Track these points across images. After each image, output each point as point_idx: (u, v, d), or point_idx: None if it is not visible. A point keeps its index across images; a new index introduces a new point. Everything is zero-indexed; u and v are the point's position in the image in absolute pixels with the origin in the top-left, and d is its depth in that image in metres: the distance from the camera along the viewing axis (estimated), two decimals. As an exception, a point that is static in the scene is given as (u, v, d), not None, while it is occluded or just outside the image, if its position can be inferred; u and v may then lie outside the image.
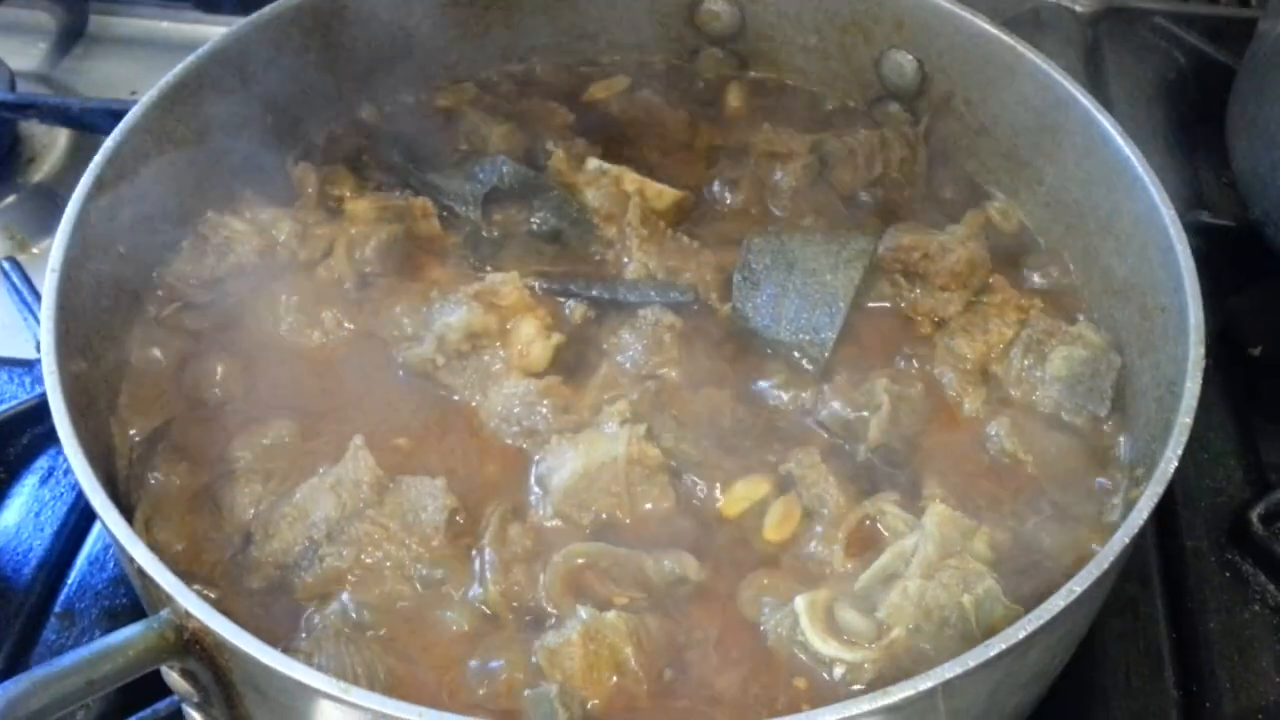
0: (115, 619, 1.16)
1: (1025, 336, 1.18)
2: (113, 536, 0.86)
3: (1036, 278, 1.26)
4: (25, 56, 1.79)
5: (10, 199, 1.62)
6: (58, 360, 0.94)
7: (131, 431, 1.09)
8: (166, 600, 0.82)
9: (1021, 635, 0.81)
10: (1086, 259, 1.23)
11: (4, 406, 1.30)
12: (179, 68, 1.19)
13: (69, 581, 1.20)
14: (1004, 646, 0.81)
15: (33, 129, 1.65)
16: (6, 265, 1.42)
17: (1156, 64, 1.71)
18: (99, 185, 1.08)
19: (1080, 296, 1.24)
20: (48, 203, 1.61)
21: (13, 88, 1.63)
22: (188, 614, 0.81)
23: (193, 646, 0.83)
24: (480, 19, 1.40)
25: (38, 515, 1.25)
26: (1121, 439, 1.13)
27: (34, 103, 1.59)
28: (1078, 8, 1.76)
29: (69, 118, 1.58)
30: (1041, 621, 0.82)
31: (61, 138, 1.66)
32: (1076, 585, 0.84)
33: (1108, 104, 1.65)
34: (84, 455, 0.88)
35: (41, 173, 1.65)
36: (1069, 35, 1.72)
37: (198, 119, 1.21)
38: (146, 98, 1.16)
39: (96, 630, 1.16)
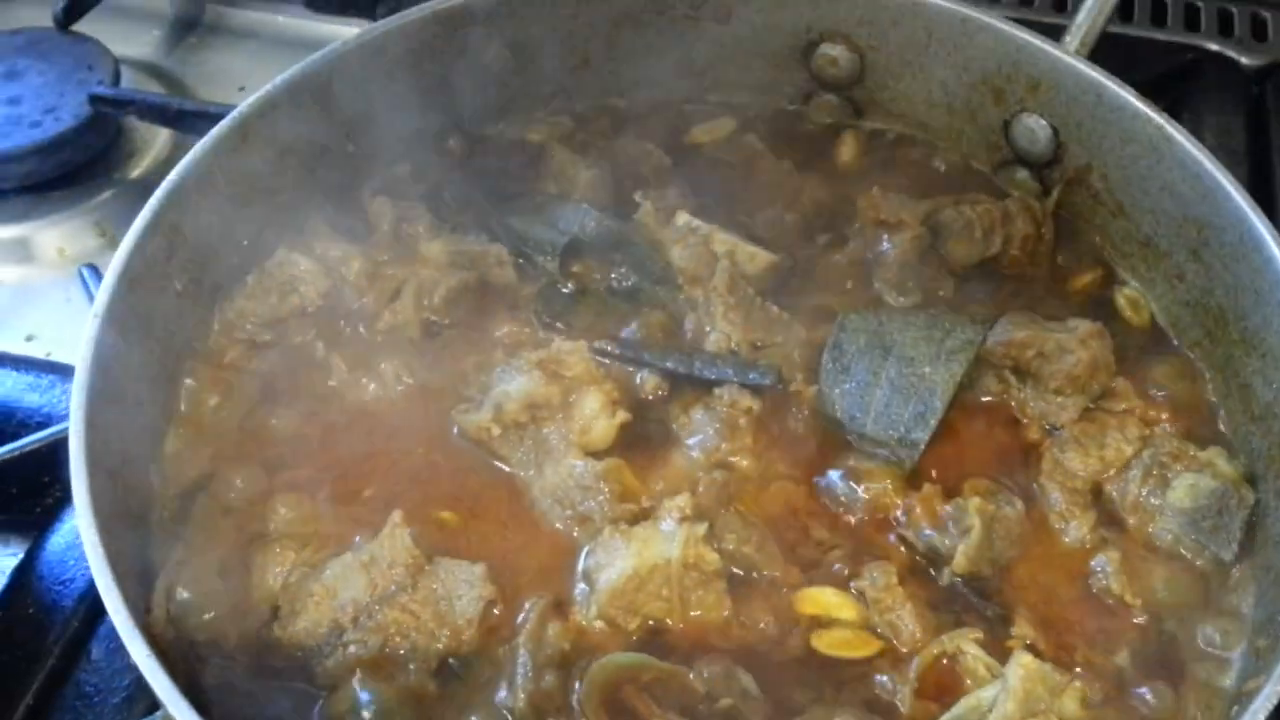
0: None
1: (1147, 456, 1.05)
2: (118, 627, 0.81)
3: (1167, 387, 1.12)
4: (138, 44, 1.76)
5: (106, 194, 1.59)
6: (85, 420, 0.89)
7: (170, 481, 1.04)
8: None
9: None
10: (1227, 374, 1.09)
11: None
12: (257, 95, 1.14)
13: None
14: None
15: (135, 122, 1.63)
16: (86, 273, 1.40)
17: (1332, 127, 1.54)
18: (155, 223, 1.03)
19: (1215, 416, 1.10)
20: (143, 200, 1.58)
21: (117, 80, 1.61)
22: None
23: (184, 753, 0.77)
24: (584, 46, 1.31)
25: (87, 542, 1.22)
26: (1248, 591, 0.99)
27: (132, 99, 1.56)
28: (1244, 60, 1.60)
29: (166, 118, 1.55)
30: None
31: (163, 133, 1.62)
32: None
33: (1270, 169, 1.50)
34: (103, 553, 0.84)
35: (140, 168, 1.62)
36: (1232, 91, 1.55)
37: (273, 146, 1.16)
38: (217, 130, 1.11)
39: (129, 671, 1.12)
